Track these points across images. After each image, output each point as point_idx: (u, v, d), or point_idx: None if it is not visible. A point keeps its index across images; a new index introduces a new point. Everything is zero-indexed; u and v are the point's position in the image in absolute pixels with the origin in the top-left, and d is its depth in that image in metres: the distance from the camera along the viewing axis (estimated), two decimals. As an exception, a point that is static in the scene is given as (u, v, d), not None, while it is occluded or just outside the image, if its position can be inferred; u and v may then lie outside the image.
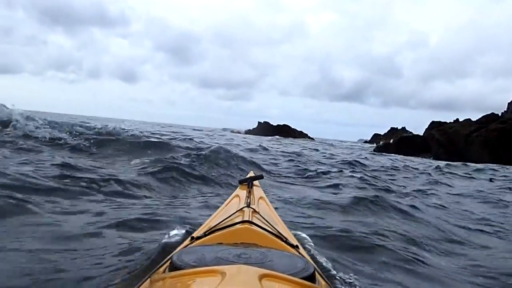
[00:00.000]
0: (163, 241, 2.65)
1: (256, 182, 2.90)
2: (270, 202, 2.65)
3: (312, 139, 53.93)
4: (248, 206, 2.01)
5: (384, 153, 29.25)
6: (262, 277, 0.96)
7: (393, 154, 27.96)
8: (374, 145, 69.56)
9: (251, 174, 3.15)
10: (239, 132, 53.24)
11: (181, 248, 1.60)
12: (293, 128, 49.67)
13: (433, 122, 39.02)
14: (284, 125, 50.47)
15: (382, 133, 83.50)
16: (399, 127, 78.19)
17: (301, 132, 52.56)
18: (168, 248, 2.38)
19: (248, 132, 51.43)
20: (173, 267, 1.18)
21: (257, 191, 2.72)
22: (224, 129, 55.02)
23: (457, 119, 35.96)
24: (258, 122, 53.40)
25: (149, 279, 1.23)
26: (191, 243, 1.61)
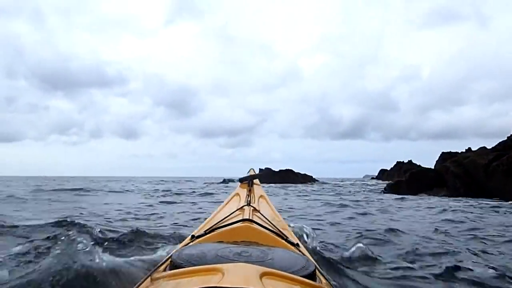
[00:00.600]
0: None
1: (256, 181, 2.83)
2: (270, 200, 2.61)
3: (316, 180, 51.32)
4: (249, 204, 2.02)
5: (396, 194, 26.61)
6: (263, 275, 0.96)
7: (408, 196, 25.34)
8: (380, 181, 66.19)
9: (252, 172, 3.10)
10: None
11: (181, 246, 1.59)
12: (296, 172, 47.24)
13: (444, 153, 36.29)
14: (287, 170, 48.01)
15: (388, 168, 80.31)
16: (405, 160, 74.48)
17: (305, 175, 49.99)
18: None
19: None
20: (174, 266, 1.18)
21: (258, 189, 2.72)
22: (224, 180, 52.38)
23: (469, 148, 33.36)
24: (260, 169, 50.86)
25: (149, 277, 1.19)
26: (192, 241, 1.61)
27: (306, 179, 47.13)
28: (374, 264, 3.61)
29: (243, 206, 2.00)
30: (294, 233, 2.17)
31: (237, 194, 2.66)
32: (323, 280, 1.32)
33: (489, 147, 30.55)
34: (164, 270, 1.27)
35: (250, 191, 2.53)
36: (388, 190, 31.09)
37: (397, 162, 76.68)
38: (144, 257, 3.31)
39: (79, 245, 3.01)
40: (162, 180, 51.88)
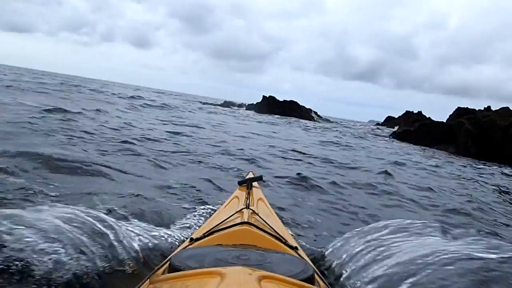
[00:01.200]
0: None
1: (255, 184, 2.84)
2: (269, 203, 2.62)
3: (320, 117, 49.25)
4: (247, 207, 2.00)
5: (403, 141, 24.79)
6: (261, 278, 0.96)
7: (412, 145, 23.50)
8: (386, 127, 63.99)
9: (250, 175, 3.06)
10: (240, 106, 48.43)
11: (180, 249, 1.59)
12: (300, 105, 44.70)
13: (460, 109, 33.78)
14: (291, 101, 45.23)
15: (396, 116, 77.81)
16: (415, 111, 71.44)
17: (309, 109, 47.53)
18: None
19: (250, 107, 46.47)
20: (172, 269, 1.18)
21: (256, 192, 2.69)
22: (226, 103, 50.48)
23: (489, 107, 30.77)
24: (263, 96, 48.11)
25: (148, 280, 1.20)
26: (190, 244, 1.60)
27: (309, 114, 44.88)
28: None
29: (242, 209, 1.98)
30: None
31: (236, 196, 2.61)
32: (322, 284, 1.32)
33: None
34: (163, 273, 1.26)
35: (249, 194, 2.48)
36: (394, 137, 29.22)
37: (406, 111, 73.82)
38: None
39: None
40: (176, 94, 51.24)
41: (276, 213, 2.62)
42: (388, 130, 44.87)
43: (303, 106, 46.05)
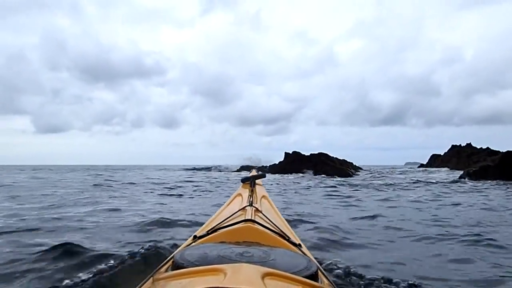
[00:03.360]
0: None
1: (258, 181, 2.82)
2: (272, 200, 2.58)
3: (357, 168, 40.84)
4: (251, 205, 1.99)
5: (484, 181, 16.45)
6: (265, 275, 0.94)
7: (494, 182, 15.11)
8: (435, 169, 54.01)
9: (254, 173, 3.01)
10: (261, 169, 40.57)
11: (183, 247, 1.57)
12: (332, 157, 36.40)
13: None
14: (320, 154, 36.96)
15: (441, 153, 67.64)
16: (462, 144, 61.53)
17: (344, 161, 39.15)
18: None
19: (272, 169, 38.25)
20: (176, 266, 1.17)
21: (260, 190, 2.68)
22: (244, 167, 43.26)
23: None
24: (285, 153, 39.94)
25: (151, 278, 1.16)
26: (194, 242, 1.60)
27: (345, 166, 36.46)
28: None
29: (245, 207, 1.95)
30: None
31: (239, 194, 2.59)
32: (325, 281, 1.27)
33: None
34: (166, 270, 1.25)
35: (252, 191, 2.44)
36: (468, 178, 20.48)
37: (453, 145, 64.08)
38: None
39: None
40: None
41: (279, 210, 2.43)
42: (444, 172, 35.61)
43: (336, 158, 37.99)
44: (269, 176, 34.31)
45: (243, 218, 1.69)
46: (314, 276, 1.12)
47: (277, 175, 33.17)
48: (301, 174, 32.29)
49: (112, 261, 3.00)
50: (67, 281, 2.65)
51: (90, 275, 2.69)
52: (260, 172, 3.01)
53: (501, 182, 17.54)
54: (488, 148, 43.54)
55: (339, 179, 26.42)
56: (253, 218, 1.68)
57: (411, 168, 64.67)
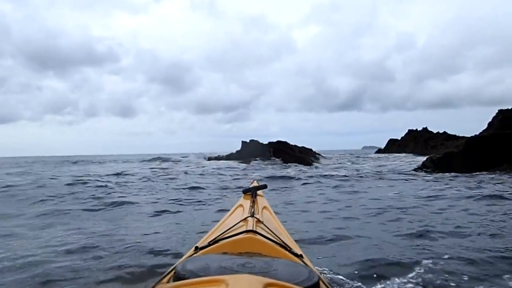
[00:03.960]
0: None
1: (259, 192, 2.82)
2: (274, 211, 2.59)
3: (318, 155, 39.33)
4: (252, 215, 1.98)
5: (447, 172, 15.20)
6: (266, 286, 0.94)
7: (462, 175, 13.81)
8: (392, 154, 53.68)
9: (255, 184, 3.07)
10: (217, 159, 37.81)
11: (185, 258, 1.57)
12: (291, 145, 34.40)
13: (503, 112, 24.32)
14: (278, 142, 34.80)
15: (397, 137, 67.59)
16: (419, 128, 61.38)
17: (303, 148, 37.14)
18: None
19: (228, 157, 35.78)
20: (177, 277, 1.16)
21: (261, 200, 2.67)
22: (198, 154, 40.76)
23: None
24: (242, 142, 37.48)
25: None
26: (195, 253, 1.60)
27: (305, 154, 34.68)
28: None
29: (246, 217, 1.94)
30: None
31: (241, 205, 2.54)
32: None
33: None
34: (168, 281, 1.25)
35: (253, 202, 2.41)
36: (431, 167, 19.12)
37: (409, 130, 64.10)
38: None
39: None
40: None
41: (281, 221, 2.45)
42: (404, 157, 34.68)
43: (295, 146, 36.08)
44: (220, 162, 32.34)
45: (244, 229, 1.68)
46: (315, 287, 1.13)
47: (230, 161, 31.23)
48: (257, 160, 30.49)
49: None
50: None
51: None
52: (261, 183, 3.01)
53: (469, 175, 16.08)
54: (445, 132, 43.44)
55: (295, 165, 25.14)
56: (254, 229, 1.67)
57: (365, 153, 64.72)
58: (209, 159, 36.14)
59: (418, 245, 4.30)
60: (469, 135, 21.23)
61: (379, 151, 67.00)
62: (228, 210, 2.65)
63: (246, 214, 2.04)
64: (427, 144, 41.70)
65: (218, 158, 37.12)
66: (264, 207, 2.54)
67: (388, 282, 2.99)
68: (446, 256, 3.69)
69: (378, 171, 19.13)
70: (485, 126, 24.12)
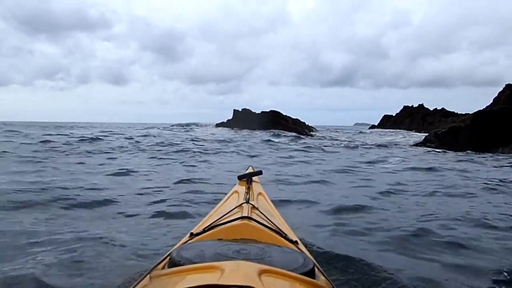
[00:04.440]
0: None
1: (255, 178, 2.80)
2: (269, 198, 2.59)
3: (312, 128, 37.85)
4: (247, 202, 1.95)
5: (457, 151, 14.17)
6: (261, 272, 0.94)
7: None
8: (387, 130, 52.43)
9: (250, 170, 3.02)
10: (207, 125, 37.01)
11: (180, 244, 1.54)
12: (284, 116, 32.61)
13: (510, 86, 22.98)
14: (272, 112, 32.96)
15: (391, 114, 66.47)
16: (414, 105, 60.13)
17: (297, 120, 35.59)
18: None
19: (220, 124, 34.52)
20: (173, 263, 1.16)
21: (256, 187, 2.65)
22: (190, 124, 39.04)
23: None
24: (234, 110, 35.87)
25: (148, 275, 1.16)
26: (190, 239, 1.57)
27: (299, 126, 33.17)
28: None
29: (241, 204, 1.91)
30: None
31: (236, 191, 2.49)
32: (322, 278, 1.26)
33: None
34: (163, 268, 1.23)
35: (249, 188, 2.40)
36: (435, 143, 17.68)
37: (405, 106, 63.23)
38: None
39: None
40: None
41: (276, 207, 2.46)
42: (402, 134, 33.32)
43: (289, 117, 34.36)
44: (214, 129, 31.69)
45: (239, 216, 1.67)
46: (310, 273, 1.13)
47: (220, 128, 30.28)
48: (252, 130, 28.78)
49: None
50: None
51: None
52: (256, 169, 3.00)
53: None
54: (443, 109, 42.15)
55: (289, 133, 24.02)
56: (249, 215, 1.66)
57: (356, 129, 63.45)
58: (217, 125, 36.40)
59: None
60: (465, 113, 20.05)
61: (373, 127, 65.83)
62: (223, 196, 2.66)
63: (241, 200, 2.03)
64: (424, 121, 40.60)
65: (218, 125, 36.11)
66: (259, 193, 2.53)
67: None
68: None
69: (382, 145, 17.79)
70: (479, 105, 23.15)
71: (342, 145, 19.70)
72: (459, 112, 40.15)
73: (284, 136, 25.35)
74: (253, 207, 1.85)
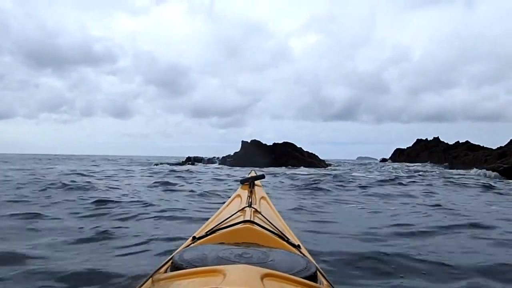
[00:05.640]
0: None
1: (257, 182, 2.78)
2: (271, 201, 2.55)
3: (326, 162, 34.10)
4: (250, 205, 1.95)
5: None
6: (264, 276, 0.92)
7: None
8: (398, 164, 48.76)
9: (253, 174, 2.97)
10: (210, 162, 31.58)
11: (182, 248, 1.51)
12: (299, 148, 28.76)
13: None
14: (285, 143, 29.02)
15: (405, 147, 63.06)
16: (428, 138, 56.68)
17: (311, 154, 31.55)
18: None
19: (224, 161, 29.15)
20: (175, 267, 1.13)
21: (259, 191, 2.64)
22: (191, 159, 34.25)
23: None
24: (242, 142, 31.45)
25: (150, 279, 1.14)
26: (193, 243, 1.56)
27: (314, 159, 29.40)
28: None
29: (244, 208, 1.90)
30: None
31: (238, 195, 2.52)
32: (325, 282, 1.23)
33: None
34: (165, 271, 1.19)
35: (251, 192, 2.38)
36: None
37: (417, 139, 59.62)
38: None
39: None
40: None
41: (279, 211, 2.42)
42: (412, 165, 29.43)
43: (300, 148, 30.62)
44: (217, 167, 26.14)
45: (242, 219, 1.65)
46: (313, 277, 1.10)
47: (225, 166, 24.68)
48: (260, 167, 24.59)
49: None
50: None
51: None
52: (259, 173, 2.93)
53: None
54: (467, 141, 38.46)
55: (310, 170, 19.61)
56: (252, 219, 1.64)
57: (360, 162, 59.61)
58: (222, 161, 30.21)
59: None
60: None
61: (383, 160, 62.09)
62: (226, 200, 2.64)
63: (244, 204, 2.01)
64: (447, 154, 37.02)
65: (210, 161, 31.55)
66: (262, 197, 2.50)
67: None
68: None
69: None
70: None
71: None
72: (484, 145, 36.65)
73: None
74: (256, 211, 1.84)
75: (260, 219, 1.71)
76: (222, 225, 1.60)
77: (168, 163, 31.81)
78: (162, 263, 1.27)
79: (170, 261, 1.21)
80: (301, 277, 1.03)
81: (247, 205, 1.93)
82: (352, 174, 17.86)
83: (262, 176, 2.81)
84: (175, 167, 25.47)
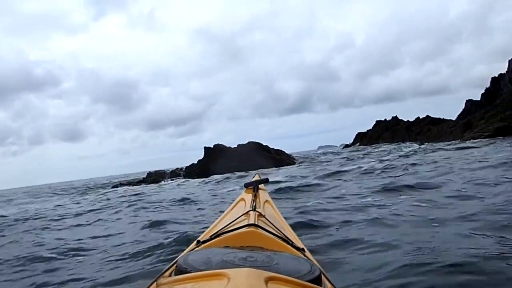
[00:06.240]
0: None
1: (261, 186, 2.76)
2: (276, 205, 2.54)
3: (290, 157, 32.77)
4: (254, 209, 1.91)
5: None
6: (268, 280, 0.92)
7: None
8: (365, 147, 48.66)
9: (257, 177, 2.99)
10: (175, 175, 28.58)
11: (187, 251, 1.54)
12: (265, 146, 27.37)
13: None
14: (252, 143, 27.23)
15: (365, 130, 63.23)
16: (387, 119, 57.28)
17: (279, 151, 30.06)
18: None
19: (190, 172, 26.48)
20: (179, 271, 1.13)
21: (263, 194, 2.60)
22: (151, 174, 31.05)
23: None
24: (205, 148, 28.93)
25: (155, 283, 1.13)
26: (197, 246, 1.55)
27: (283, 155, 28.02)
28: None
29: (248, 211, 1.86)
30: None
31: (242, 199, 2.49)
32: (329, 285, 1.24)
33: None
34: (170, 275, 1.21)
35: (255, 196, 2.36)
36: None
37: (377, 121, 60.10)
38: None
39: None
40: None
41: (283, 215, 2.40)
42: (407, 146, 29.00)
43: (267, 146, 29.24)
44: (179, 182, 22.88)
45: (246, 223, 1.65)
46: (317, 280, 1.11)
47: (192, 180, 21.56)
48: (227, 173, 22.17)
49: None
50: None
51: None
52: (263, 177, 2.94)
53: None
54: (428, 116, 38.76)
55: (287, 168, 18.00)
56: (256, 223, 1.64)
57: (331, 150, 59.50)
58: (186, 174, 26.88)
59: None
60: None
61: (346, 146, 62.03)
62: (230, 204, 2.63)
63: (248, 208, 1.99)
64: (410, 131, 37.13)
65: (174, 173, 28.85)
66: (266, 201, 2.47)
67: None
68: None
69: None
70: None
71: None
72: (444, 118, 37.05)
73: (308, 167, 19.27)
74: (260, 214, 1.83)
75: (264, 222, 1.72)
76: (227, 228, 1.60)
77: (124, 183, 28.19)
78: (167, 267, 1.27)
79: (175, 265, 1.21)
80: (305, 281, 1.04)
81: (251, 208, 1.92)
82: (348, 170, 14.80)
83: (266, 180, 2.85)
84: (130, 190, 19.66)
